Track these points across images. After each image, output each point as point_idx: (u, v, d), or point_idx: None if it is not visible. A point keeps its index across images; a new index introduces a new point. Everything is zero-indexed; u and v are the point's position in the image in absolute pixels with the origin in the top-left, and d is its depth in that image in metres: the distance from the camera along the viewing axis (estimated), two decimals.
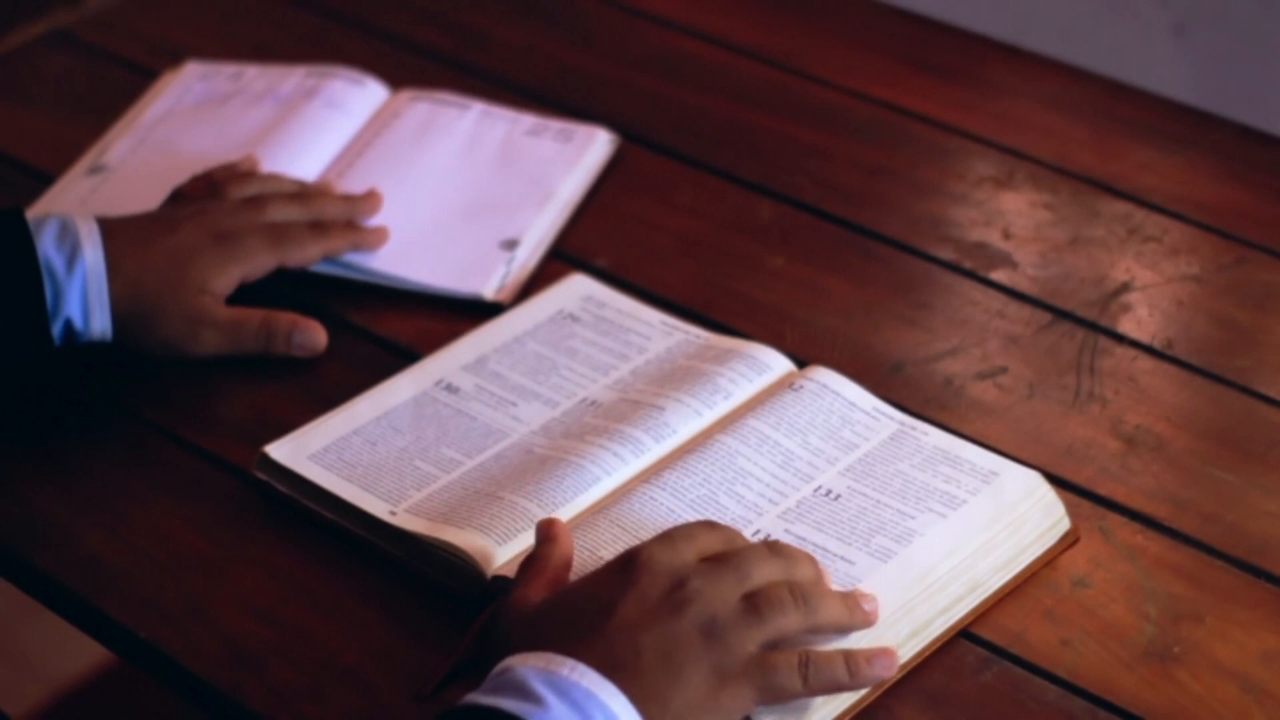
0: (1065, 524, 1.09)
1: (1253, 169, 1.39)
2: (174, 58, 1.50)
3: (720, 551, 0.99)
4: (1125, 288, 1.28)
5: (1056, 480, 1.11)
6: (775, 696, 0.96)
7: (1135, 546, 1.09)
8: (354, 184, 1.35)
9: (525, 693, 0.91)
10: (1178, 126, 1.44)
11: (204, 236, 1.22)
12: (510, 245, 1.31)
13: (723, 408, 1.14)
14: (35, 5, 1.58)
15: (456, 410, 1.16)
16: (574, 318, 1.23)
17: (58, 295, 1.16)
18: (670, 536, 0.99)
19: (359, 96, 1.44)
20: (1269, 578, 1.07)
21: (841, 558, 1.04)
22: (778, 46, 1.53)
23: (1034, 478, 1.09)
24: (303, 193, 1.30)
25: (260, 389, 1.21)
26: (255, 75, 1.47)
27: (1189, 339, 1.24)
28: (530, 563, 1.01)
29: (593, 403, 1.16)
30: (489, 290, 1.27)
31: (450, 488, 1.11)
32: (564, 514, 1.07)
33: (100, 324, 1.18)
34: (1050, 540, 1.08)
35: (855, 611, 1.00)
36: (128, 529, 1.12)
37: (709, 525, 1.01)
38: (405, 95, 1.45)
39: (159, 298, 1.19)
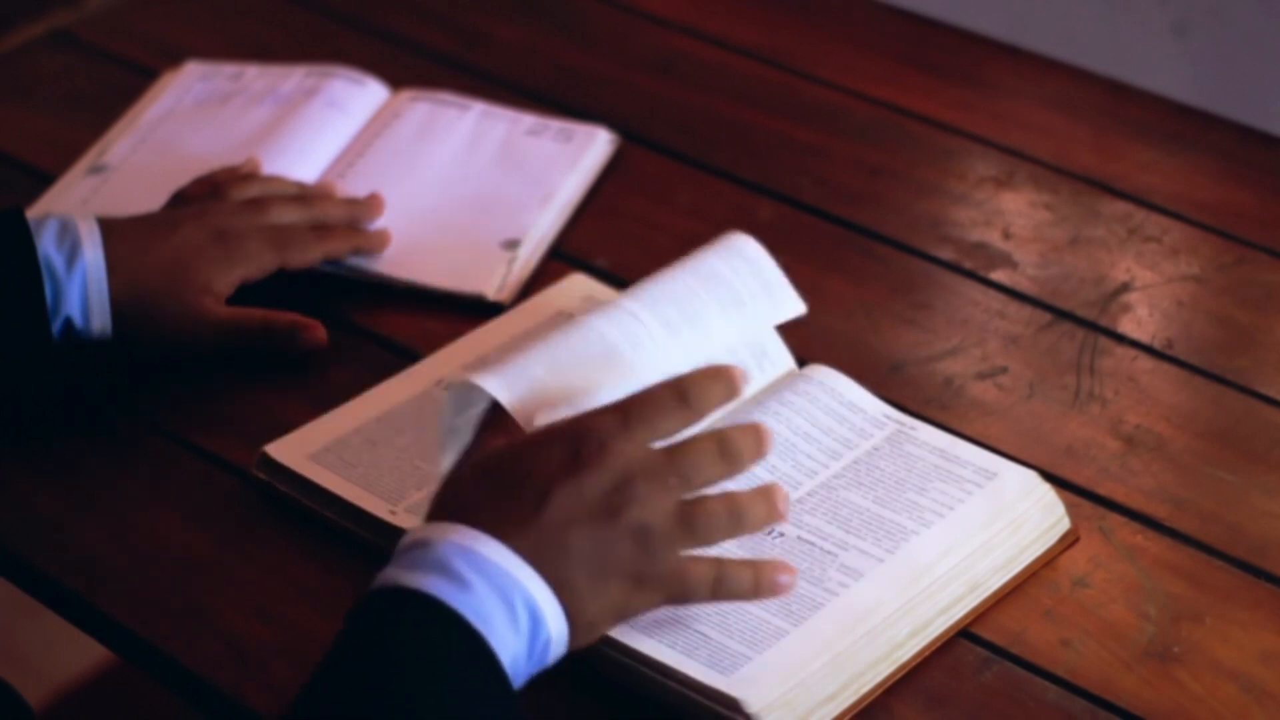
0: (1065, 524, 1.09)
1: (1253, 169, 1.39)
2: (174, 58, 1.50)
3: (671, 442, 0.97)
4: (1125, 288, 1.28)
5: (1056, 480, 1.11)
6: (682, 602, 0.98)
7: (1135, 546, 1.09)
8: (355, 184, 1.35)
9: (448, 572, 0.91)
10: (1178, 126, 1.44)
11: (205, 237, 1.22)
12: (511, 245, 1.31)
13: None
14: (35, 5, 1.58)
15: None
16: (572, 318, 1.23)
17: (58, 294, 1.16)
18: (629, 419, 0.96)
19: (359, 96, 1.44)
20: (1269, 578, 1.07)
21: (839, 557, 1.04)
22: (778, 46, 1.53)
23: (1033, 478, 1.09)
24: (304, 195, 1.30)
25: (260, 389, 1.21)
26: (255, 75, 1.47)
27: (1189, 339, 1.24)
28: (497, 412, 1.01)
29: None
30: (490, 290, 1.27)
31: None
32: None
33: (100, 323, 1.18)
34: (1050, 540, 1.08)
35: (774, 514, 0.98)
36: (128, 529, 1.12)
37: (674, 405, 0.98)
38: (405, 95, 1.45)
39: (159, 297, 1.19)
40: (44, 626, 2.04)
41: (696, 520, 0.96)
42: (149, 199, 1.29)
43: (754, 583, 0.98)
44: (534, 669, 0.94)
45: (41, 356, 1.16)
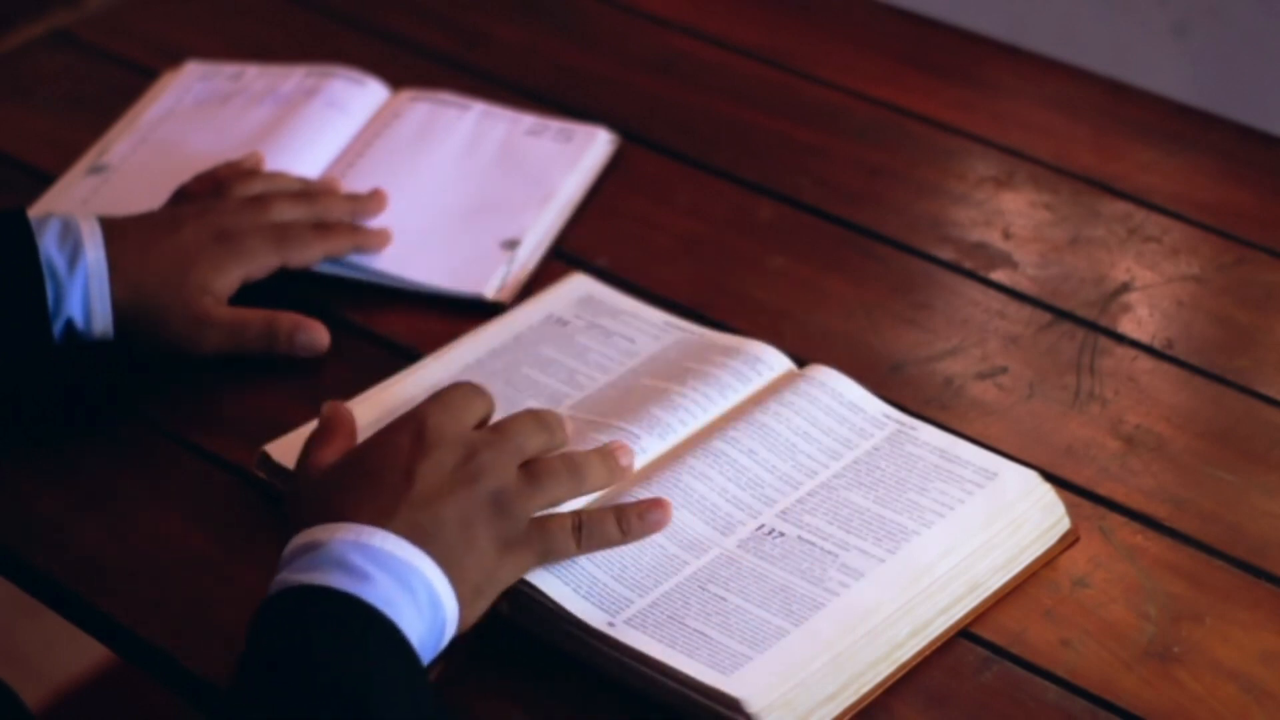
0: (1065, 524, 1.09)
1: (1253, 169, 1.39)
2: (174, 58, 1.50)
3: (489, 421, 1.05)
4: (1125, 288, 1.28)
5: (1056, 480, 1.11)
6: (553, 558, 1.02)
7: (1135, 546, 1.09)
8: (355, 183, 1.35)
9: (347, 568, 0.93)
10: (1178, 126, 1.44)
11: (206, 236, 1.22)
12: (511, 245, 1.31)
13: (722, 405, 1.14)
14: (35, 5, 1.58)
15: None
16: (563, 321, 1.23)
17: (59, 295, 1.16)
18: (448, 403, 1.03)
19: (359, 96, 1.44)
20: (1269, 578, 1.07)
21: (839, 557, 1.04)
22: (778, 46, 1.53)
23: (1033, 478, 1.09)
24: (307, 191, 1.30)
25: (260, 389, 1.21)
26: (255, 75, 1.47)
27: (1189, 339, 1.24)
28: (316, 432, 1.06)
29: (594, 402, 1.16)
30: (489, 290, 1.27)
31: None
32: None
33: (101, 324, 1.17)
34: (1050, 540, 1.08)
35: (615, 470, 1.06)
36: (128, 529, 1.12)
37: (476, 392, 1.05)
38: (406, 95, 1.45)
39: (160, 299, 1.19)
40: (44, 626, 2.04)
41: (540, 475, 1.02)
42: (149, 199, 1.29)
43: (619, 525, 1.03)
44: (434, 651, 0.97)
45: (42, 357, 1.16)
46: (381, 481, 0.99)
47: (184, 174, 1.31)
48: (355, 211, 1.30)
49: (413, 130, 1.42)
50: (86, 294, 1.17)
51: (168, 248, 1.20)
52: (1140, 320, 1.26)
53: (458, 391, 1.05)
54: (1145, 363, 1.22)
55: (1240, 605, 1.05)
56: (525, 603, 1.02)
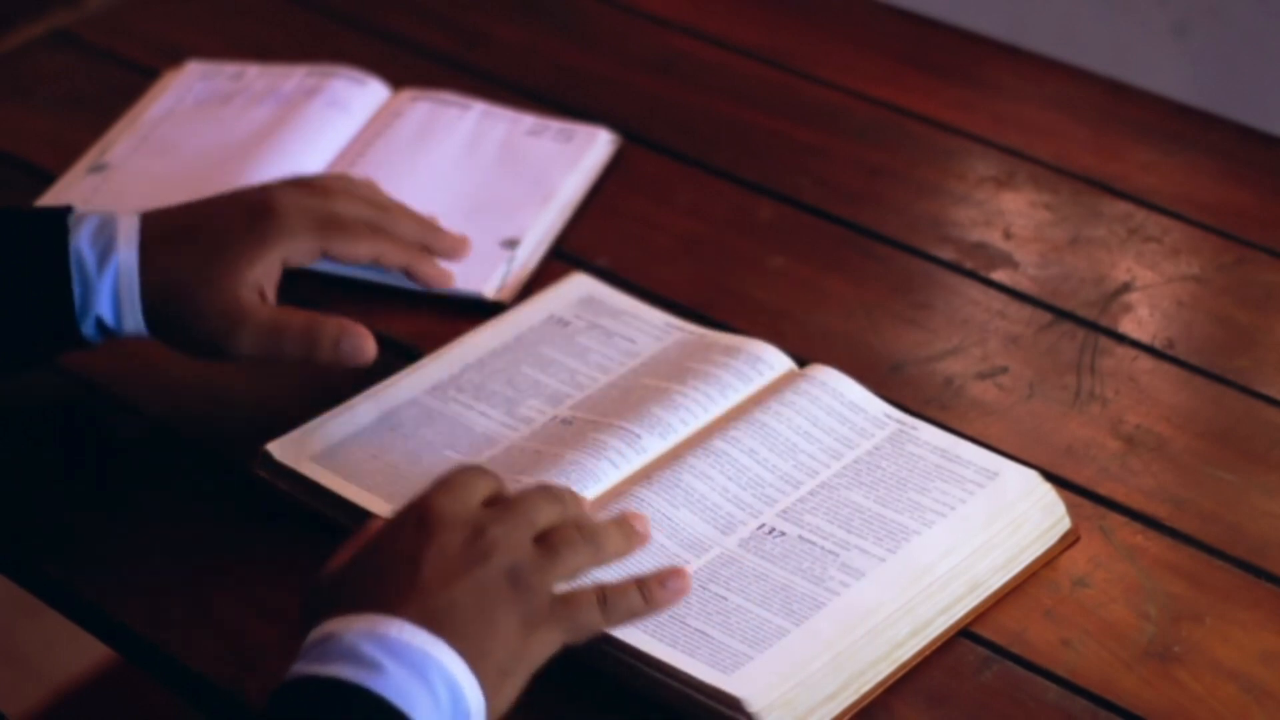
0: (1065, 524, 1.09)
1: (1253, 169, 1.39)
2: (174, 58, 1.50)
3: (498, 497, 1.00)
4: (1126, 288, 1.28)
5: (1056, 480, 1.11)
6: (580, 634, 0.97)
7: (1135, 546, 1.09)
8: None
9: (358, 659, 0.90)
10: (1178, 126, 1.44)
11: (239, 218, 1.15)
12: (511, 245, 1.31)
13: (723, 405, 1.14)
14: (35, 5, 1.58)
15: (458, 410, 1.16)
16: (564, 322, 1.23)
17: (87, 293, 1.12)
18: (449, 485, 0.98)
19: (360, 96, 1.44)
20: (1269, 578, 1.07)
21: (840, 557, 1.04)
22: (778, 46, 1.53)
23: (1034, 477, 1.09)
24: (385, 205, 1.23)
25: (260, 388, 1.21)
26: (256, 75, 1.47)
27: (1189, 339, 1.24)
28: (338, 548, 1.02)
29: (596, 401, 1.16)
30: (489, 290, 1.27)
31: None
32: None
33: (133, 323, 1.13)
34: (1050, 540, 1.08)
35: (632, 537, 1.02)
36: (128, 527, 1.12)
37: (479, 471, 1.01)
38: (406, 95, 1.45)
39: (193, 295, 1.13)
40: (44, 626, 2.04)
41: (557, 546, 0.97)
42: (150, 199, 1.28)
43: (642, 597, 0.99)
44: None
45: (67, 352, 1.15)
46: (388, 573, 0.95)
47: (184, 174, 1.31)
48: (424, 236, 1.24)
49: (413, 130, 1.42)
50: (116, 293, 1.12)
51: (199, 238, 1.14)
52: (1140, 320, 1.26)
53: (459, 473, 0.99)
54: (1145, 363, 1.22)
55: (1240, 605, 1.05)
56: None
